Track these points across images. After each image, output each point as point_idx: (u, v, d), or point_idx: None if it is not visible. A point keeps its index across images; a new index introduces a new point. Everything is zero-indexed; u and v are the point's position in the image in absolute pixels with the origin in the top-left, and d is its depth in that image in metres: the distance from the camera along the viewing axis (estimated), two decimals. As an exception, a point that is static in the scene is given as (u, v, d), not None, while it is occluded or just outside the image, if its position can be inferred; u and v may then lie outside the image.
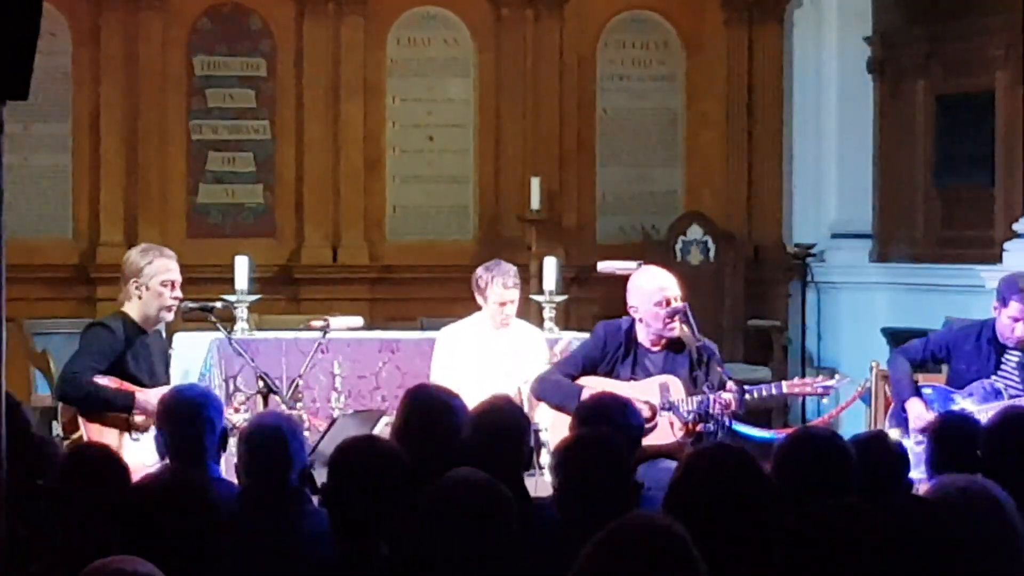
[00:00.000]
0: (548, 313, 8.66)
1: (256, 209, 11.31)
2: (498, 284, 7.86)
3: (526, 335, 8.05)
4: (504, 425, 5.08)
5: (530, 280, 10.15)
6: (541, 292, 8.86)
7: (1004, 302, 7.55)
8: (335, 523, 4.27)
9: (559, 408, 7.02)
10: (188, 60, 11.18)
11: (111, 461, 4.43)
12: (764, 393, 6.93)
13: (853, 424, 9.25)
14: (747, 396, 6.89)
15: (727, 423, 6.97)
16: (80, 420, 6.76)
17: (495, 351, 7.90)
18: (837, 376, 7.34)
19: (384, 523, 4.16)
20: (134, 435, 6.76)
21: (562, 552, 3.47)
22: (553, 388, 7.18)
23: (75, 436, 6.73)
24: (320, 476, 4.58)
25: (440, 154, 11.58)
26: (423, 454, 4.81)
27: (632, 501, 4.41)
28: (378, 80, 11.44)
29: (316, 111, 11.29)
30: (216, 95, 11.23)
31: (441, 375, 7.74)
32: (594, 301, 10.71)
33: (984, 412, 6.95)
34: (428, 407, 5.31)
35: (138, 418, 6.76)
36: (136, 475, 4.45)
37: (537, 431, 6.53)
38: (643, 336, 7.22)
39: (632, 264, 7.76)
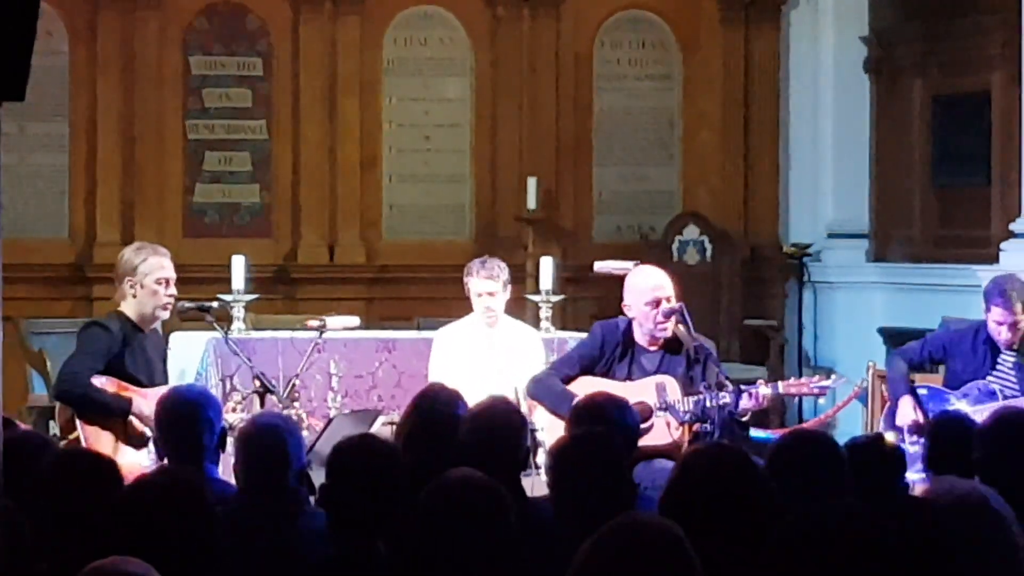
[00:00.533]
0: (545, 313, 8.66)
1: (253, 209, 11.30)
2: (476, 277, 7.82)
3: (522, 335, 8.04)
4: (501, 425, 5.08)
5: (527, 280, 10.16)
6: (538, 292, 8.85)
7: (987, 307, 7.59)
8: (332, 522, 4.27)
9: (551, 412, 7.03)
10: (185, 59, 11.18)
11: (102, 462, 4.42)
12: (762, 395, 6.91)
13: (850, 424, 9.25)
14: (746, 396, 6.87)
15: (743, 430, 6.97)
16: (77, 422, 6.75)
17: (491, 351, 7.89)
18: (833, 376, 7.33)
19: (381, 522, 4.16)
20: (130, 436, 6.76)
21: (559, 552, 3.47)
22: (546, 391, 7.16)
23: (72, 436, 6.72)
24: (317, 476, 4.59)
25: (437, 154, 11.58)
26: (430, 454, 4.82)
27: (628, 501, 4.41)
28: (375, 79, 11.44)
29: (313, 111, 11.29)
30: (213, 95, 11.23)
31: (438, 375, 7.73)
32: (591, 301, 10.71)
33: (979, 413, 6.95)
34: (439, 409, 5.33)
35: (136, 425, 6.75)
36: (131, 476, 4.45)
37: (534, 431, 6.53)
38: (640, 336, 7.22)
39: (629, 264, 7.75)
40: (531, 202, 11.23)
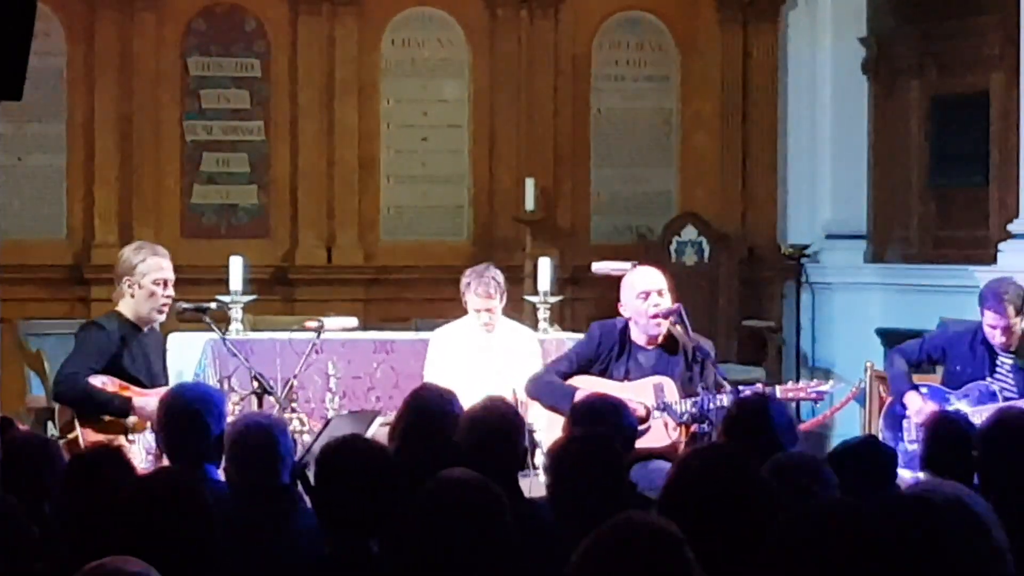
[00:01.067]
0: (542, 314, 8.66)
1: (250, 210, 11.30)
2: (473, 295, 7.86)
3: (518, 335, 8.05)
4: (498, 426, 5.08)
5: (524, 280, 10.16)
6: (535, 293, 8.86)
7: (982, 311, 7.61)
8: (324, 521, 4.27)
9: (552, 409, 7.03)
10: (182, 61, 11.18)
11: (116, 462, 4.43)
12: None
13: (847, 425, 9.26)
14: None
15: None
16: (76, 422, 6.74)
17: (488, 351, 7.90)
18: (831, 381, 7.34)
19: (373, 521, 4.16)
20: (130, 436, 6.75)
21: (556, 552, 3.47)
22: (546, 389, 7.18)
23: (71, 436, 6.71)
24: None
25: (434, 155, 11.58)
26: (424, 454, 4.82)
27: (627, 502, 4.40)
28: (372, 81, 11.44)
29: (310, 112, 11.29)
30: (210, 96, 11.23)
31: (434, 376, 7.74)
32: (588, 302, 10.71)
33: (979, 414, 6.95)
34: (432, 408, 5.32)
35: (131, 419, 6.75)
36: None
37: (531, 431, 6.53)
38: (636, 335, 7.23)
39: (626, 264, 7.76)
40: (529, 203, 11.23)
